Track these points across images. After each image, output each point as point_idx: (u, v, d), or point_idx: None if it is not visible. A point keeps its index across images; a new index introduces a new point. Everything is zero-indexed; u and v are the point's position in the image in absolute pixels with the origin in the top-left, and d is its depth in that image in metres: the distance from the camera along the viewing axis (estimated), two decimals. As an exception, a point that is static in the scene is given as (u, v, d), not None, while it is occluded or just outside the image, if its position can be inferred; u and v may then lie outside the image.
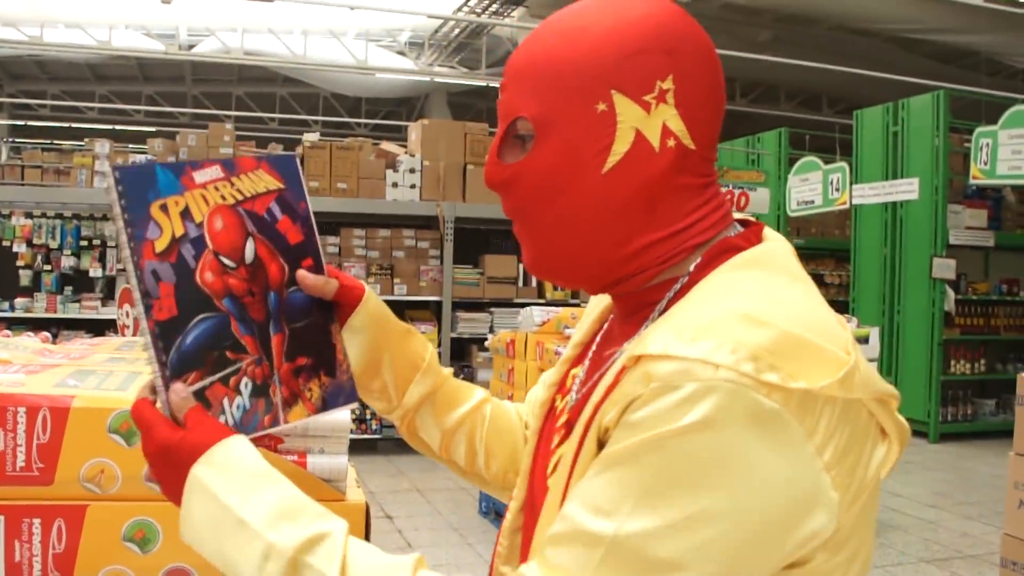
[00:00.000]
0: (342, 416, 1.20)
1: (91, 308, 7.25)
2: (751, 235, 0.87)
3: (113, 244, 7.40)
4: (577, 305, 6.79)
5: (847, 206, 8.47)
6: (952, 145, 8.46)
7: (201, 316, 0.89)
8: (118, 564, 1.15)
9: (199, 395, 0.88)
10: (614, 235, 0.84)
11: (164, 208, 0.88)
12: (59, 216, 7.42)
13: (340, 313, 1.02)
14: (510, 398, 5.01)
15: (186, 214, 0.90)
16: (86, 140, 8.01)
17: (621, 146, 0.82)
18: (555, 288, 7.44)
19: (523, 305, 6.25)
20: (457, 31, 12.23)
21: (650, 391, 0.71)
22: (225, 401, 0.90)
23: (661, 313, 0.84)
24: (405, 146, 8.16)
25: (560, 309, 5.46)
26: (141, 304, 0.86)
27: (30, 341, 1.65)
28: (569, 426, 0.90)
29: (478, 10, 11.01)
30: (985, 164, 6.95)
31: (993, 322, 9.06)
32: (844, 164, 8.38)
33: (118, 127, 16.96)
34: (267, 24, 11.76)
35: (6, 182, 11.40)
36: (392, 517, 5.46)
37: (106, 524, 1.15)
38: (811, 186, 8.54)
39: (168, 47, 12.03)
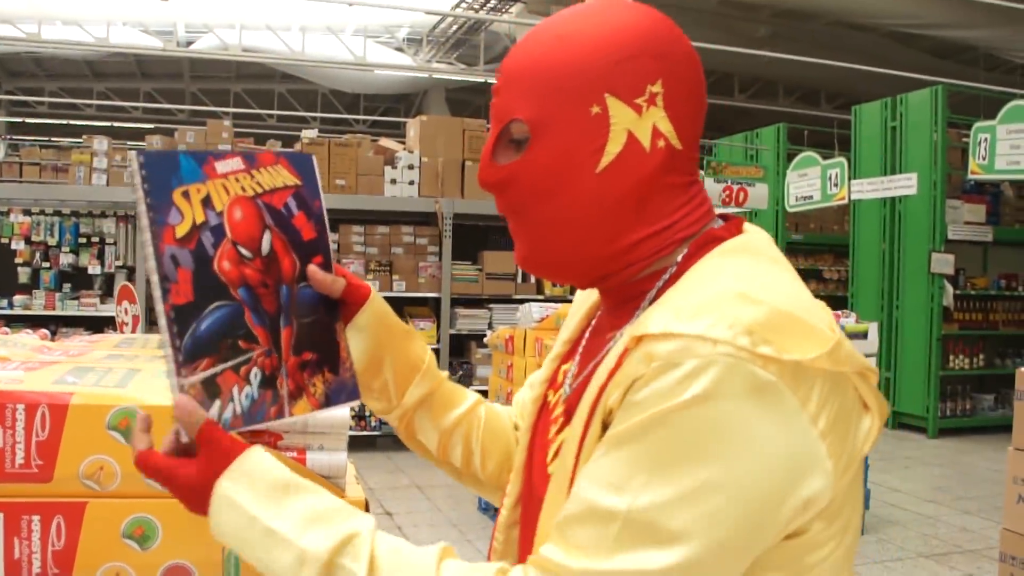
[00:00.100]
0: (341, 413, 1.20)
1: (90, 305, 7.25)
2: (733, 227, 0.91)
3: (112, 241, 7.40)
4: (576, 301, 6.78)
5: (845, 201, 8.47)
6: (950, 140, 8.47)
7: (216, 304, 0.90)
8: (117, 561, 1.15)
9: (210, 382, 0.89)
10: (607, 232, 0.88)
11: (186, 195, 0.90)
12: (57, 213, 7.42)
13: (345, 311, 1.04)
14: (509, 394, 5.02)
15: (207, 202, 0.91)
16: (84, 137, 8.01)
17: (614, 147, 0.86)
18: (554, 284, 7.45)
19: (522, 301, 6.26)
20: (455, 27, 12.22)
21: (652, 370, 0.74)
22: (235, 389, 0.91)
23: (651, 301, 0.88)
24: (404, 142, 8.16)
25: (559, 305, 5.46)
26: (159, 288, 0.87)
27: (29, 338, 1.65)
28: (568, 413, 0.93)
29: (476, 6, 11.00)
30: (983, 159, 6.95)
31: (992, 317, 9.08)
32: (842, 159, 8.38)
33: (116, 124, 16.93)
34: (265, 20, 11.74)
35: (4, 179, 11.39)
36: (391, 514, 5.46)
37: (105, 521, 1.14)
38: (809, 181, 8.54)
39: (166, 44, 12.02)
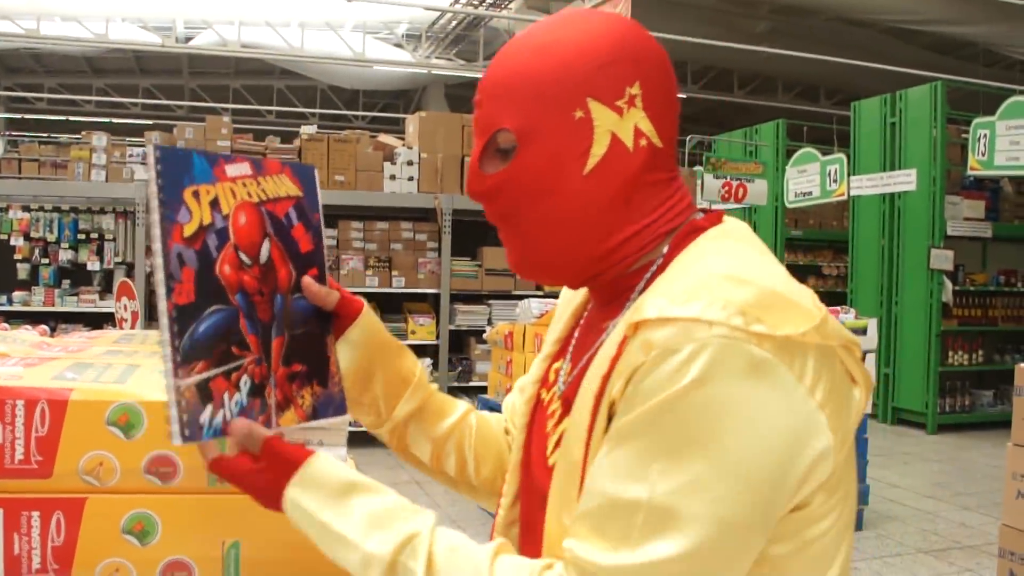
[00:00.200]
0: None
1: (89, 301, 7.25)
2: (714, 218, 0.95)
3: (111, 238, 7.39)
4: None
5: (845, 197, 8.45)
6: (950, 136, 8.46)
7: (214, 307, 0.91)
8: (117, 557, 1.15)
9: (204, 386, 0.89)
10: (597, 232, 0.91)
11: (196, 195, 0.90)
12: (56, 209, 7.41)
13: (337, 325, 1.05)
14: (508, 390, 5.01)
15: (215, 204, 0.92)
16: (83, 133, 7.99)
17: (599, 149, 0.89)
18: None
19: (521, 297, 6.25)
20: (454, 23, 12.21)
21: (652, 359, 0.77)
22: (225, 396, 0.91)
23: (641, 292, 0.91)
24: (403, 138, 8.15)
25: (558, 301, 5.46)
26: (164, 285, 0.87)
27: (28, 334, 1.65)
28: (567, 404, 0.94)
29: (475, 2, 10.99)
30: (983, 155, 6.94)
31: (991, 313, 9.07)
32: (842, 155, 8.36)
33: (115, 120, 16.93)
34: (264, 17, 11.73)
35: (3, 176, 11.39)
36: (391, 509, 5.46)
37: (105, 517, 1.15)
38: (809, 177, 8.53)
39: (165, 40, 12.01)
